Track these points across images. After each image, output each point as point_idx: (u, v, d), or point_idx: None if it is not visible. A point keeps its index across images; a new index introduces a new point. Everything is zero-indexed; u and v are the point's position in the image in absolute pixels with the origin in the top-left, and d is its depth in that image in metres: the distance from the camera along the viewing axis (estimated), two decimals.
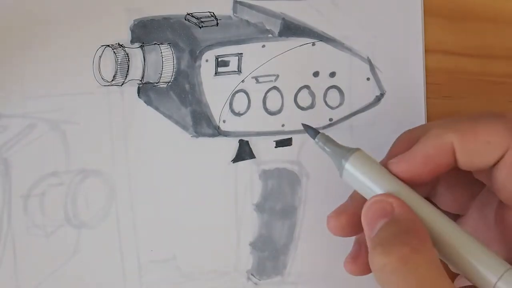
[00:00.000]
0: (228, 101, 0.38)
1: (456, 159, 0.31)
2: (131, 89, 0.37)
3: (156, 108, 0.37)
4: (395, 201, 0.30)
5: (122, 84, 0.37)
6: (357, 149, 0.31)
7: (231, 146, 0.38)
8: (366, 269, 0.33)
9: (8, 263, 0.36)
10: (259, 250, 0.38)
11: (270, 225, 0.38)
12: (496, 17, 0.40)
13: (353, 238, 0.34)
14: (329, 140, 0.32)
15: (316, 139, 0.32)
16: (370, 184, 0.30)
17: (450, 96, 0.40)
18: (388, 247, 0.28)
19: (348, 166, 0.31)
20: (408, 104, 0.39)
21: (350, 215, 0.32)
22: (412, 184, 0.31)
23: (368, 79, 0.39)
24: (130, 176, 0.37)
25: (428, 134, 0.31)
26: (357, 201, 0.32)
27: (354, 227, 0.32)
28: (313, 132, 0.32)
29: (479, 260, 0.29)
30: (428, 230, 0.29)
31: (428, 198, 0.34)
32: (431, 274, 0.28)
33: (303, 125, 0.33)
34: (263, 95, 0.38)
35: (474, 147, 0.30)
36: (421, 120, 0.39)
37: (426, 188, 0.34)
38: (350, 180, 0.31)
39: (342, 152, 0.31)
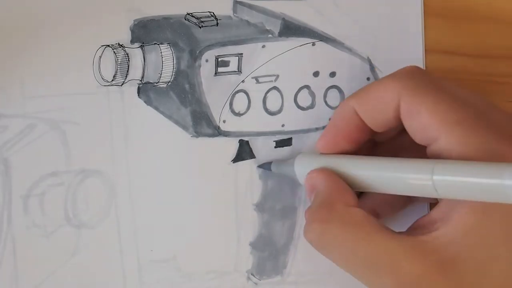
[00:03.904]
0: (228, 101, 0.38)
1: (363, 121, 0.33)
2: (131, 89, 0.37)
3: (156, 108, 0.37)
4: (315, 174, 0.33)
5: (122, 84, 0.37)
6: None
7: (231, 146, 0.38)
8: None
9: (8, 263, 0.36)
10: (259, 250, 0.38)
11: (270, 225, 0.38)
12: (496, 17, 0.40)
13: None
14: (280, 162, 0.37)
15: (272, 169, 0.37)
16: (307, 168, 0.35)
17: None
18: (306, 226, 0.33)
19: (296, 166, 0.35)
20: None
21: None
22: (343, 152, 0.34)
23: (368, 79, 0.39)
24: (130, 176, 0.37)
25: (336, 108, 0.35)
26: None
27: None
28: (268, 165, 0.37)
29: (408, 169, 0.30)
30: (358, 175, 0.32)
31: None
32: (347, 233, 0.31)
33: (258, 167, 0.38)
34: (263, 95, 0.38)
35: (370, 106, 0.33)
36: None
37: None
38: (302, 176, 0.35)
39: (290, 162, 0.36)
